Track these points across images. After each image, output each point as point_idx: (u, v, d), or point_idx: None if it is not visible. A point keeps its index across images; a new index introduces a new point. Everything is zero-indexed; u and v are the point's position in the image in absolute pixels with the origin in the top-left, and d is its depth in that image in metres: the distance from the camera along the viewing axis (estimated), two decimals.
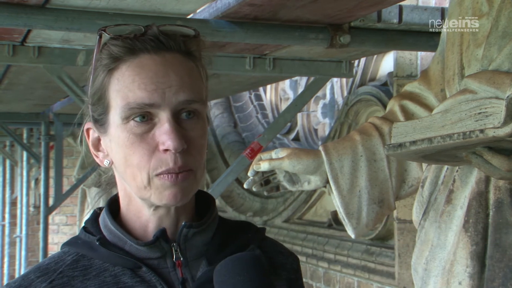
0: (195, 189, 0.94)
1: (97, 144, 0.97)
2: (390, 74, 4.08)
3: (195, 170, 0.92)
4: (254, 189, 1.78)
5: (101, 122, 0.94)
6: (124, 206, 0.98)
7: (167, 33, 0.92)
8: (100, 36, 0.93)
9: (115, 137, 0.92)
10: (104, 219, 0.97)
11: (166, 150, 0.89)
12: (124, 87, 0.90)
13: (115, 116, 0.91)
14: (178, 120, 0.91)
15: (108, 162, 0.96)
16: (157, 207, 0.94)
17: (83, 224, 1.00)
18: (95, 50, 0.94)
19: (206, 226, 0.97)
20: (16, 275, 8.91)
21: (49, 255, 0.98)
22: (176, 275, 0.94)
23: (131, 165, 0.91)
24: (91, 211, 1.03)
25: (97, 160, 0.98)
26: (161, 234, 0.93)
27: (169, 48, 0.92)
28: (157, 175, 0.90)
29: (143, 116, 0.90)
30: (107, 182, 1.04)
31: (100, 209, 1.01)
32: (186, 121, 0.91)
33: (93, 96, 0.94)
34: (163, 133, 0.89)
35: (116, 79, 0.91)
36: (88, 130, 0.98)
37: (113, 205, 1.00)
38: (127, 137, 0.90)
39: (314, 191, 4.75)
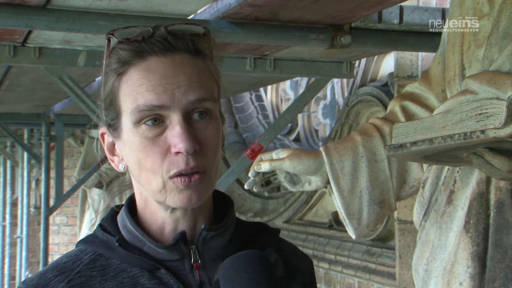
0: (210, 190, 0.94)
1: (112, 148, 0.97)
2: (390, 74, 4.08)
3: (208, 171, 0.92)
4: (255, 189, 1.78)
5: (114, 126, 0.94)
6: (141, 209, 0.97)
7: (175, 33, 0.92)
8: (109, 40, 0.92)
9: (128, 141, 0.91)
10: (123, 219, 0.97)
11: (178, 152, 0.88)
12: (133, 91, 0.89)
13: (126, 120, 0.91)
14: (190, 121, 0.90)
15: (124, 166, 0.95)
16: (173, 209, 0.93)
17: (99, 222, 0.99)
18: (105, 54, 0.93)
19: (224, 229, 0.97)
20: (17, 276, 8.92)
21: (65, 253, 0.97)
22: (193, 278, 0.94)
23: (145, 169, 0.90)
24: (105, 210, 1.01)
25: (112, 164, 0.97)
26: (181, 237, 0.92)
27: (177, 49, 0.91)
28: (170, 177, 0.89)
29: (155, 119, 0.89)
30: (118, 187, 1.04)
31: (118, 207, 1.00)
32: (198, 121, 0.91)
33: (105, 100, 0.93)
34: (175, 136, 0.88)
35: (125, 83, 0.91)
36: (103, 135, 0.97)
37: (132, 204, 0.99)
38: (139, 141, 0.90)
39: (315, 191, 4.75)
